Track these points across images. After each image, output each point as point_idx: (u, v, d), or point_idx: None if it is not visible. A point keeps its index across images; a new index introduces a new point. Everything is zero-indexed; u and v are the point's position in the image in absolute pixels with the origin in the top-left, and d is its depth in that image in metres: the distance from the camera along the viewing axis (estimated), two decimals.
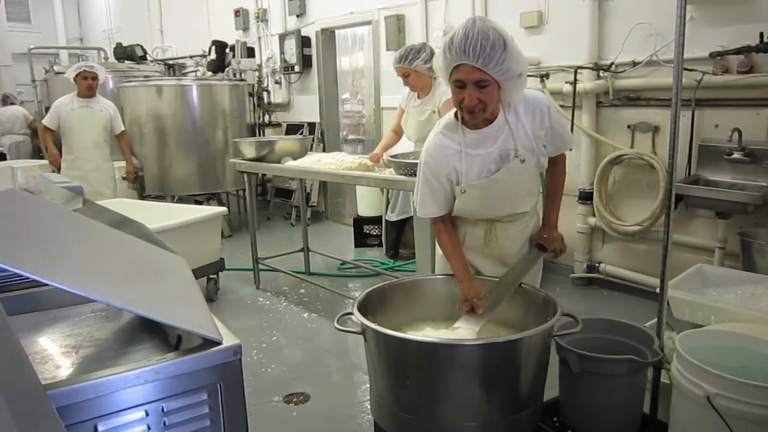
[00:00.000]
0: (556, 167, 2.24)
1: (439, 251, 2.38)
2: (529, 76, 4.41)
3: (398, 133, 4.12)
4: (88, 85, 5.18)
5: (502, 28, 1.83)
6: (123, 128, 5.52)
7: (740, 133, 3.33)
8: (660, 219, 3.68)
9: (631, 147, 3.97)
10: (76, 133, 5.20)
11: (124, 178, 6.06)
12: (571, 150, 2.27)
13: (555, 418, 2.13)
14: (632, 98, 3.91)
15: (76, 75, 5.15)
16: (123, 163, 5.63)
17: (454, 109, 2.04)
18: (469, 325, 1.90)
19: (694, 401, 1.73)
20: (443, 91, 3.74)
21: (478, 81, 1.83)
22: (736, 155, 3.39)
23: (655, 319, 2.12)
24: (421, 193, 2.10)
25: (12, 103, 9.48)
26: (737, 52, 3.32)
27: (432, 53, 3.71)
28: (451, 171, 2.03)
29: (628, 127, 3.97)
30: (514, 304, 2.09)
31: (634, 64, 3.81)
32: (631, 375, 1.94)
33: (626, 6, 3.87)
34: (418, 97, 3.85)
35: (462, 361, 1.73)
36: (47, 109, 6.60)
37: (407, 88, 3.87)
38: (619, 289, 4.19)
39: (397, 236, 5.19)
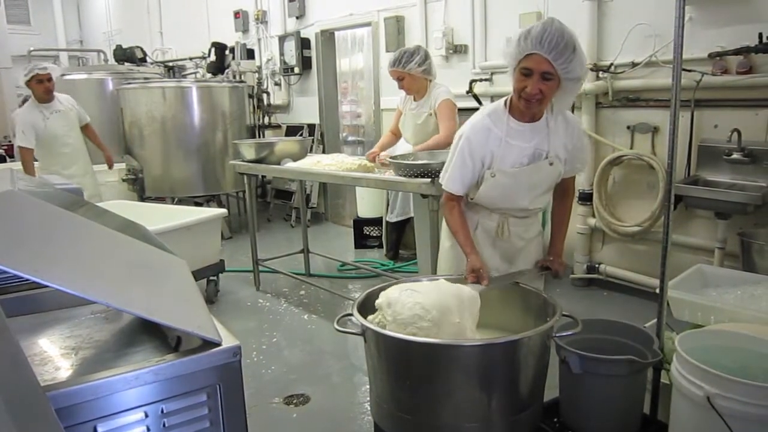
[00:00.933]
0: (564, 198, 2.38)
1: (443, 247, 2.42)
2: None
3: (396, 134, 4.11)
4: (45, 89, 4.67)
5: (575, 34, 1.98)
6: (88, 119, 5.11)
7: (739, 133, 3.34)
8: (660, 219, 3.69)
9: (631, 148, 3.97)
10: (59, 141, 4.78)
11: (124, 180, 6.07)
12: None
13: (555, 419, 2.13)
14: (631, 99, 3.91)
15: (30, 80, 4.61)
16: (104, 167, 5.31)
17: (504, 98, 2.18)
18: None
19: (693, 401, 1.73)
20: (439, 92, 3.73)
21: (545, 72, 1.97)
22: (735, 156, 3.40)
23: (655, 320, 2.12)
24: (452, 167, 2.20)
25: None
26: (736, 52, 3.32)
27: (426, 56, 3.71)
28: (487, 153, 2.14)
29: (628, 127, 3.97)
30: (514, 305, 2.10)
31: (634, 64, 3.81)
32: (631, 375, 1.94)
33: (625, 7, 3.87)
34: (414, 100, 3.85)
35: (462, 362, 1.74)
36: None
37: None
38: (618, 289, 4.19)
39: (397, 237, 5.19)
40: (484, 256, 2.27)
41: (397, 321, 1.79)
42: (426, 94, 3.78)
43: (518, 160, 2.14)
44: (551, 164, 2.15)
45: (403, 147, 4.15)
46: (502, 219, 2.26)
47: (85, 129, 5.08)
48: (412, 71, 3.66)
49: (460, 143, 2.17)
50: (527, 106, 2.05)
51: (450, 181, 2.20)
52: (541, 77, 1.97)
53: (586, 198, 4.20)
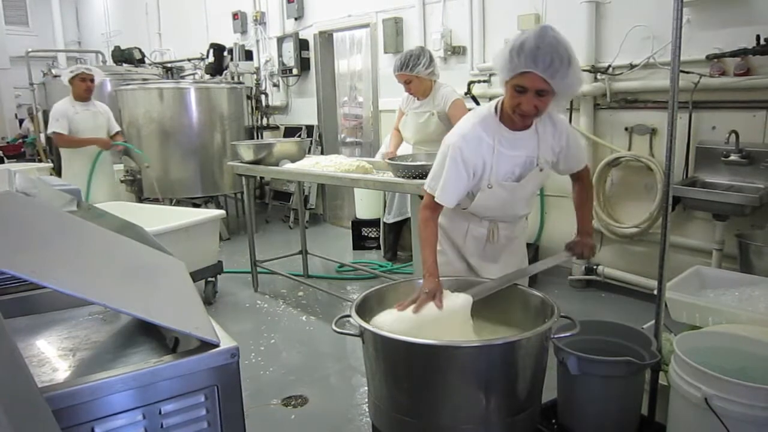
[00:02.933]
0: (582, 182, 2.35)
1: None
2: None
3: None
4: (86, 87, 5.11)
5: (569, 43, 1.89)
6: (119, 128, 5.50)
7: (737, 135, 3.34)
8: (658, 221, 3.69)
9: (629, 149, 3.98)
10: (82, 137, 5.11)
11: (122, 181, 6.06)
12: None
13: (553, 420, 2.13)
14: (630, 100, 3.92)
15: (74, 77, 5.08)
16: (121, 166, 5.52)
17: (493, 104, 2.11)
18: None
19: (691, 403, 1.73)
20: (446, 92, 3.75)
21: (540, 90, 1.89)
22: (733, 157, 3.40)
23: (653, 321, 2.12)
24: (445, 179, 2.08)
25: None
26: (734, 54, 3.33)
27: (431, 57, 3.72)
28: (480, 163, 2.08)
29: (626, 129, 3.97)
30: (512, 306, 2.10)
31: (632, 66, 3.82)
32: (629, 377, 1.94)
33: (623, 8, 3.88)
34: (418, 99, 3.86)
35: (460, 363, 1.74)
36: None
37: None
38: (617, 291, 4.19)
39: (394, 238, 5.19)
40: (472, 263, 2.30)
41: None
42: (431, 93, 3.80)
43: (511, 170, 2.11)
44: (541, 170, 2.15)
45: (401, 148, 4.16)
46: (492, 225, 2.27)
47: (115, 137, 5.41)
48: (420, 74, 3.67)
49: (450, 153, 2.07)
50: (522, 120, 2.02)
51: (443, 193, 2.09)
52: (535, 94, 1.91)
53: None
